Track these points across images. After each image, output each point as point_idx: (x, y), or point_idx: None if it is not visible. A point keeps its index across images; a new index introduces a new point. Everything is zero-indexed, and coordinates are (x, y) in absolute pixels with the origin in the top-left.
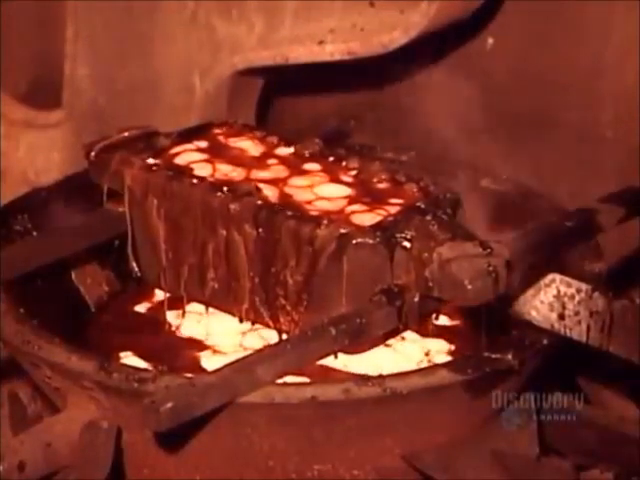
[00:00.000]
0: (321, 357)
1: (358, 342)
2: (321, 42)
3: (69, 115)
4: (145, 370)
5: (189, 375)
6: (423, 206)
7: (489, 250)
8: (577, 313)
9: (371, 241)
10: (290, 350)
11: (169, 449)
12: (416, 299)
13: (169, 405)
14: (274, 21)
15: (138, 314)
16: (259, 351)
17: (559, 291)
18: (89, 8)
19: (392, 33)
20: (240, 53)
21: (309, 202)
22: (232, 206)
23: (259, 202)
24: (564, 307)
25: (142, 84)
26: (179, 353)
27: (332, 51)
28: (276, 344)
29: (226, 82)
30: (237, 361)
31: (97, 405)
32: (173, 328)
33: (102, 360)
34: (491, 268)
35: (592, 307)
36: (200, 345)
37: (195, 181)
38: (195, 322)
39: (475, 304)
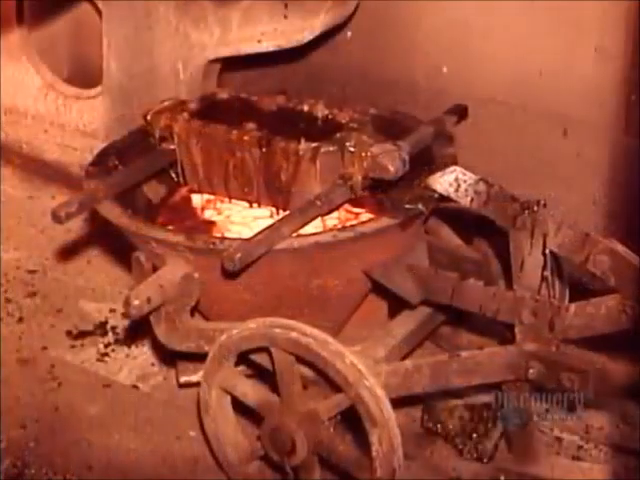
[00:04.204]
0: (312, 219)
1: (331, 210)
2: (259, 41)
3: (105, 90)
4: (216, 237)
5: (243, 237)
6: (355, 125)
7: (398, 146)
8: (466, 190)
9: (332, 149)
10: (297, 216)
11: (233, 281)
12: (359, 179)
13: (238, 255)
14: (226, 29)
15: (182, 208)
16: (278, 220)
17: (457, 177)
18: (114, 26)
19: (303, 33)
20: (208, 49)
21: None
22: (245, 137)
23: (260, 134)
24: (459, 185)
25: (147, 71)
26: (208, 228)
27: (267, 46)
28: (286, 216)
29: (201, 67)
30: (269, 226)
31: (186, 261)
32: (205, 216)
33: (187, 233)
34: (402, 156)
35: (477, 188)
36: (221, 223)
37: (219, 126)
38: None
39: (394, 178)
